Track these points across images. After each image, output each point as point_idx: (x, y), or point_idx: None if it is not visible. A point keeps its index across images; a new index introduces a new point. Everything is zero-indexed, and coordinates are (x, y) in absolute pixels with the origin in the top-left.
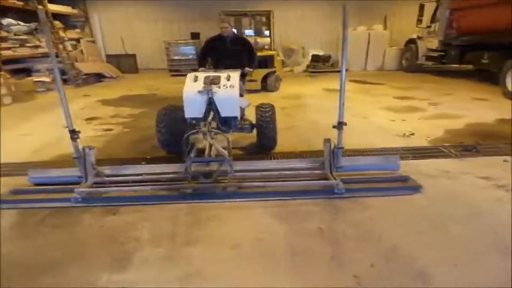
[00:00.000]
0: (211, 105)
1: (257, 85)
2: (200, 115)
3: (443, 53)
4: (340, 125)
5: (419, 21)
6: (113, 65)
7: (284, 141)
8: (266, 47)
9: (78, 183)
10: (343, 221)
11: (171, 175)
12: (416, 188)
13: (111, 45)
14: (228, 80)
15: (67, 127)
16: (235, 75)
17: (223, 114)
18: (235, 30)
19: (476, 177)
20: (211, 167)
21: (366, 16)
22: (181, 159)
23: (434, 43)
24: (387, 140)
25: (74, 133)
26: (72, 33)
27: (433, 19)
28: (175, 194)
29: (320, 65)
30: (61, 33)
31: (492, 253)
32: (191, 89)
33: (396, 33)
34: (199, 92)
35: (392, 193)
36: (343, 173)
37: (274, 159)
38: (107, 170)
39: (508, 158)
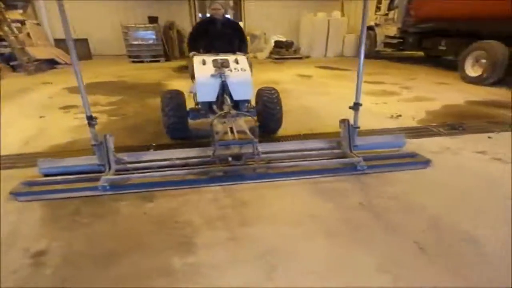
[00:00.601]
0: (224, 88)
1: None
2: (214, 99)
3: (401, 40)
4: (356, 106)
5: (378, 8)
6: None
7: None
8: None
9: (94, 172)
10: (378, 195)
11: (197, 159)
12: (426, 163)
13: (58, 28)
14: (237, 63)
15: (42, 116)
16: (243, 58)
17: (236, 97)
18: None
19: (473, 151)
20: (232, 149)
21: (324, 3)
22: (188, 145)
23: (392, 30)
24: (379, 121)
25: (92, 119)
26: (15, 14)
27: (390, 7)
28: (206, 177)
29: (284, 51)
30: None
31: None
32: (204, 73)
33: (354, 20)
34: (212, 75)
35: (408, 167)
36: (358, 151)
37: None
38: (125, 157)
39: (491, 134)
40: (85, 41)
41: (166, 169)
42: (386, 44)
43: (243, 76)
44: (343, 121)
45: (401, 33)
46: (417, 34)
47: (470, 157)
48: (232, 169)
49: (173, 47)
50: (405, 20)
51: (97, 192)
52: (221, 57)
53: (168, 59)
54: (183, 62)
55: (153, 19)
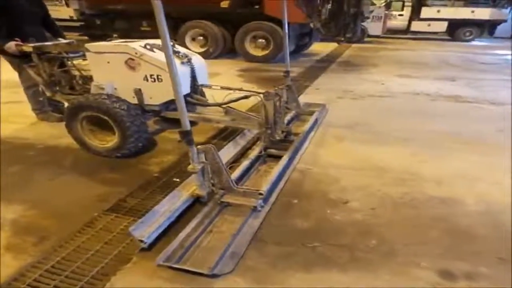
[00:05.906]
0: (193, 76)
1: None
2: (189, 90)
3: (83, 23)
4: (287, 73)
5: None
6: None
7: None
8: None
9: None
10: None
11: (258, 147)
12: (324, 106)
13: None
14: (174, 46)
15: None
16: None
17: (201, 82)
18: None
19: (336, 97)
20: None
21: None
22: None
23: (65, 12)
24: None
25: (188, 135)
26: None
27: None
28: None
29: None
30: None
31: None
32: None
33: None
34: (182, 63)
35: (324, 112)
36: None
37: None
38: None
39: (312, 88)
40: None
41: (257, 160)
42: (66, 27)
43: (201, 60)
44: (288, 87)
45: (81, 15)
46: (107, 15)
47: (341, 101)
48: (295, 145)
49: None
50: (80, 3)
51: (260, 215)
52: (151, 42)
53: None
54: None
55: None
